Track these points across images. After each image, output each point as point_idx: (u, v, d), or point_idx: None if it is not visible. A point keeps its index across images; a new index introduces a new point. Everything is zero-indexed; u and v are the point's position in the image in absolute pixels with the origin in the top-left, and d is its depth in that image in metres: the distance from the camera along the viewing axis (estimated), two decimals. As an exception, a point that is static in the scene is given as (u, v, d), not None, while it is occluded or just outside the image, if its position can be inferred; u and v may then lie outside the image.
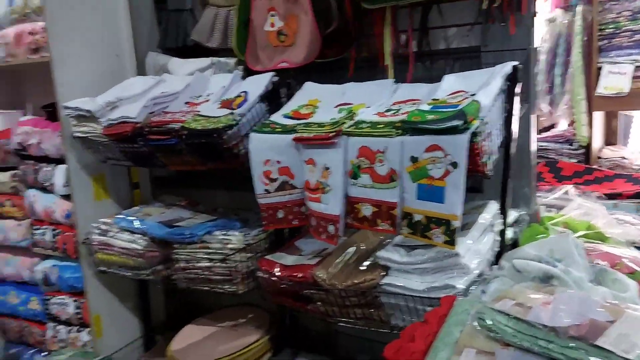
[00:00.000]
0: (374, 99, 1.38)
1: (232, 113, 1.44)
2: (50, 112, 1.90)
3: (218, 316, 1.87)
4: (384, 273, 1.27)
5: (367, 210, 1.25)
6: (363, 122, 1.27)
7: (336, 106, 1.40)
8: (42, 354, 2.17)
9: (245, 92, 1.53)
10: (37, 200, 1.96)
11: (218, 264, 1.55)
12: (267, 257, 1.51)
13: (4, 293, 2.23)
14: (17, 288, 2.21)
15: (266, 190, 1.37)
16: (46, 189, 1.94)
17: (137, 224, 1.68)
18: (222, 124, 1.41)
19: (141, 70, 1.91)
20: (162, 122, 1.50)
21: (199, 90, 1.65)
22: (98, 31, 1.81)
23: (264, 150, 1.36)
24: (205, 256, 1.57)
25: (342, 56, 1.63)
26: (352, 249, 1.43)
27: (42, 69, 1.74)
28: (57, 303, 2.06)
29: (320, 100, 1.47)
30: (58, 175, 1.87)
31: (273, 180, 1.37)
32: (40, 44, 1.77)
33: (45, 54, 1.73)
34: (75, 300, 2.02)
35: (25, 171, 1.97)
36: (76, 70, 1.74)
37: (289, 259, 1.48)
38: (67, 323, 2.08)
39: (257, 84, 1.55)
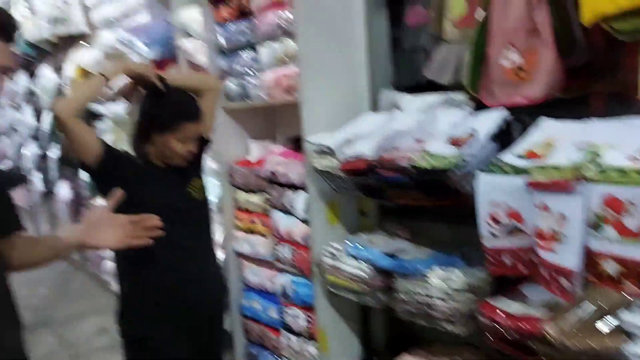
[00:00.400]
0: (625, 140, 1.23)
1: (460, 152, 1.44)
2: (296, 145, 2.15)
3: (435, 351, 1.86)
4: (628, 339, 1.12)
5: (610, 267, 1.12)
6: (610, 167, 1.14)
7: (577, 147, 1.29)
8: (276, 358, 2.44)
9: (475, 129, 1.51)
10: (281, 221, 2.23)
11: (438, 301, 1.54)
12: (490, 301, 1.45)
13: (249, 298, 2.58)
14: (261, 296, 2.53)
15: (492, 233, 1.33)
16: (289, 212, 2.19)
17: (363, 252, 1.78)
18: (451, 163, 1.41)
19: (375, 107, 2.04)
20: (392, 159, 1.57)
21: (429, 127, 1.68)
22: (340, 73, 1.99)
23: (493, 192, 1.32)
24: (426, 291, 1.58)
25: (586, 91, 1.50)
26: (588, 306, 1.28)
27: (292, 106, 1.99)
28: (291, 314, 2.30)
29: (558, 140, 1.37)
30: (299, 200, 2.10)
31: (500, 223, 1.32)
32: (293, 86, 2.02)
33: (296, 95, 1.97)
34: (306, 315, 2.23)
35: (273, 195, 2.26)
36: (320, 109, 1.94)
37: (514, 307, 1.40)
38: (298, 334, 2.30)
39: (488, 121, 1.52)
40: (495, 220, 1.33)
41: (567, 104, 1.52)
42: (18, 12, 5.07)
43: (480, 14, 1.64)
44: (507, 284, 1.56)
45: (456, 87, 1.77)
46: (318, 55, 1.92)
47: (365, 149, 1.64)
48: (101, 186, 1.76)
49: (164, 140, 1.72)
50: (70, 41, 4.33)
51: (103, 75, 1.67)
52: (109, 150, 1.70)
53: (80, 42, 4.19)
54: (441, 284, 1.55)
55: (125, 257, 1.80)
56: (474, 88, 1.67)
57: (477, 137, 1.48)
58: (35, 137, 5.60)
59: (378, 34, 2.09)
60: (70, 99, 1.65)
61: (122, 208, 1.70)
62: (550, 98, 1.49)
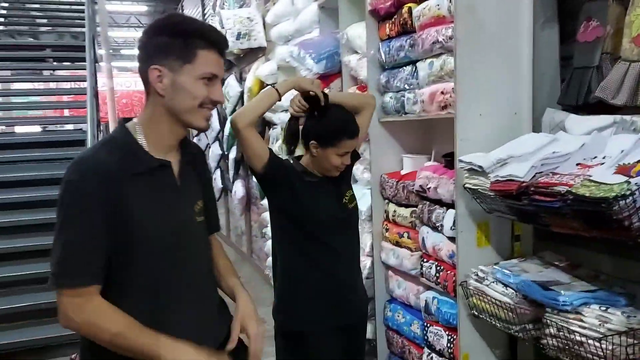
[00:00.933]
0: None
1: (627, 182, 1.31)
2: (449, 161, 2.12)
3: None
4: None
5: None
6: None
7: None
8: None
9: (649, 157, 1.37)
10: (428, 237, 2.22)
11: (592, 342, 1.42)
12: (655, 350, 1.30)
13: (394, 310, 2.60)
14: (404, 309, 2.54)
15: (660, 275, 1.19)
16: (437, 229, 2.17)
17: (512, 278, 1.70)
18: (614, 192, 1.29)
19: (537, 127, 1.93)
20: (548, 184, 1.48)
21: (595, 151, 1.55)
22: (500, 90, 1.92)
23: (663, 229, 1.18)
24: (579, 329, 1.46)
25: None
26: None
27: (448, 123, 1.98)
28: (434, 332, 2.27)
29: None
30: (447, 218, 2.07)
31: (671, 265, 1.17)
32: (449, 102, 2.00)
33: (451, 111, 1.95)
34: (448, 334, 2.18)
35: (422, 210, 2.26)
36: (475, 127, 1.89)
37: (684, 361, 1.24)
38: (440, 353, 2.26)
39: (666, 150, 1.36)
40: (664, 261, 1.18)
41: None
42: (212, 28, 5.73)
43: (665, 29, 1.48)
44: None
45: (632, 109, 1.61)
46: (476, 71, 1.88)
47: (519, 172, 1.57)
48: (266, 189, 1.95)
49: (324, 153, 1.85)
50: (252, 53, 4.78)
51: (277, 89, 1.83)
52: (273, 158, 1.87)
53: (260, 55, 4.60)
54: (596, 323, 1.43)
55: (286, 258, 1.96)
56: (653, 111, 1.51)
57: (650, 166, 1.33)
58: (218, 139, 6.27)
59: (546, 51, 1.99)
60: (245, 110, 1.84)
61: (287, 214, 1.88)
62: None
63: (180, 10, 9.46)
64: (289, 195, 1.88)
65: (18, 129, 6.49)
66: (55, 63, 6.69)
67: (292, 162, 1.98)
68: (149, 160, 1.26)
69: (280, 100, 1.85)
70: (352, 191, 2.02)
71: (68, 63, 6.81)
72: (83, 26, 6.13)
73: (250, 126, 1.79)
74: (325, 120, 1.86)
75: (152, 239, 1.23)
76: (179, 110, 1.26)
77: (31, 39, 7.07)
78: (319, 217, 1.90)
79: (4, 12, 7.48)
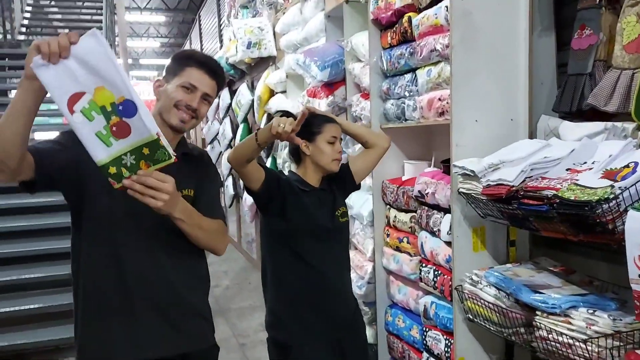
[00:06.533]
0: None
1: (612, 186, 1.33)
2: (446, 167, 2.15)
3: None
4: None
5: None
6: None
7: None
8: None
9: (635, 162, 1.38)
10: (427, 242, 2.24)
11: (579, 344, 1.43)
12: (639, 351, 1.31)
13: (394, 315, 2.62)
14: (405, 313, 2.56)
15: (640, 276, 1.21)
16: (434, 233, 2.20)
17: (504, 282, 1.72)
18: (597, 196, 1.31)
19: (534, 134, 1.95)
20: (536, 188, 1.50)
21: (584, 156, 1.57)
22: (496, 97, 1.95)
23: (643, 232, 1.20)
24: (567, 332, 1.48)
25: None
26: None
27: (446, 129, 2.00)
28: (432, 337, 2.29)
29: None
30: (445, 223, 2.10)
31: (650, 267, 1.19)
32: (446, 109, 2.04)
33: (448, 117, 1.98)
34: (446, 339, 2.20)
35: (421, 215, 2.29)
36: (471, 133, 1.92)
37: (667, 364, 1.25)
38: (438, 357, 2.28)
39: (653, 155, 1.37)
40: (645, 263, 1.20)
41: None
42: (226, 36, 5.84)
43: (654, 37, 1.50)
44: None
45: (623, 116, 1.63)
46: (472, 78, 1.91)
47: (509, 176, 1.60)
48: (261, 203, 1.93)
49: (316, 147, 1.90)
50: (262, 62, 4.86)
51: (256, 134, 1.73)
52: (268, 178, 1.83)
53: (270, 63, 4.68)
54: (583, 325, 1.44)
55: (277, 271, 1.96)
56: (642, 117, 1.52)
57: (635, 171, 1.35)
58: (230, 147, 6.36)
59: (543, 58, 2.01)
60: (235, 153, 1.78)
61: (281, 223, 1.90)
62: None
63: (197, 21, 9.64)
64: (284, 205, 1.87)
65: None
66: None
67: (288, 174, 2.02)
68: None
69: (258, 144, 1.72)
70: (346, 209, 2.04)
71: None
72: (101, 36, 6.29)
73: (244, 166, 1.77)
74: (305, 123, 1.90)
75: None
76: (161, 109, 1.54)
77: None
78: (312, 223, 1.90)
79: (26, 22, 7.70)
